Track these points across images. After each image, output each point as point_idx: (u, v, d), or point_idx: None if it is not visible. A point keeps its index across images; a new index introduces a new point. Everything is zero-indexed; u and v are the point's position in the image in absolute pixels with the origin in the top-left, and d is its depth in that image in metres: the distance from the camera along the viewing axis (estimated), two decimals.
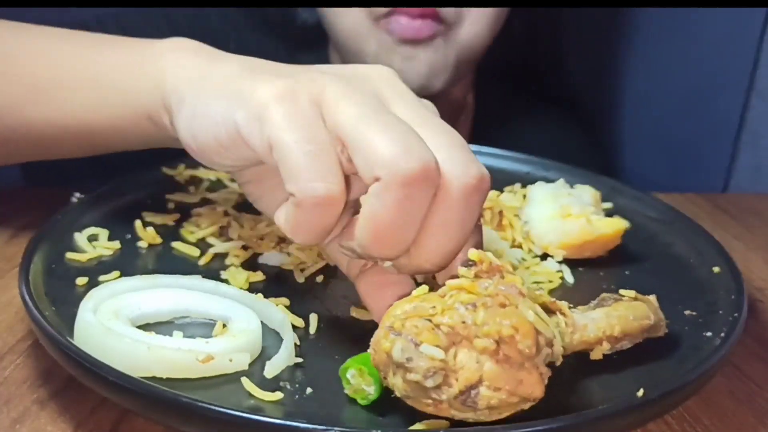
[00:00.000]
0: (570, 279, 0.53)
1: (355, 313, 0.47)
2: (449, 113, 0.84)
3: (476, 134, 0.88)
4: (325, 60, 0.83)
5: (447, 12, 0.73)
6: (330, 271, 0.52)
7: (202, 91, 0.43)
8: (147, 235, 0.53)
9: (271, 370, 0.40)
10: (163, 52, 0.47)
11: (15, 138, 0.54)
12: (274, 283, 0.50)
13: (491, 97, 0.90)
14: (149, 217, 0.56)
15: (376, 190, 0.36)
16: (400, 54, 0.74)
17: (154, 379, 0.38)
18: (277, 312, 0.45)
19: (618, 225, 0.54)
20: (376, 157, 0.36)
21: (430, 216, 0.37)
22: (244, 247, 0.53)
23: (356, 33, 0.75)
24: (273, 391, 0.38)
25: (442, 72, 0.76)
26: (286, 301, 0.47)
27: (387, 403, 0.37)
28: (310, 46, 0.84)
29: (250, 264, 0.52)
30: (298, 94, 0.38)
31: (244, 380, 0.39)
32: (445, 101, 0.82)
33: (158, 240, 0.54)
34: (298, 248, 0.53)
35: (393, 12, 0.72)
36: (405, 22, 0.72)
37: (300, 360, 0.41)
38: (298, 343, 0.43)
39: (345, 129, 0.37)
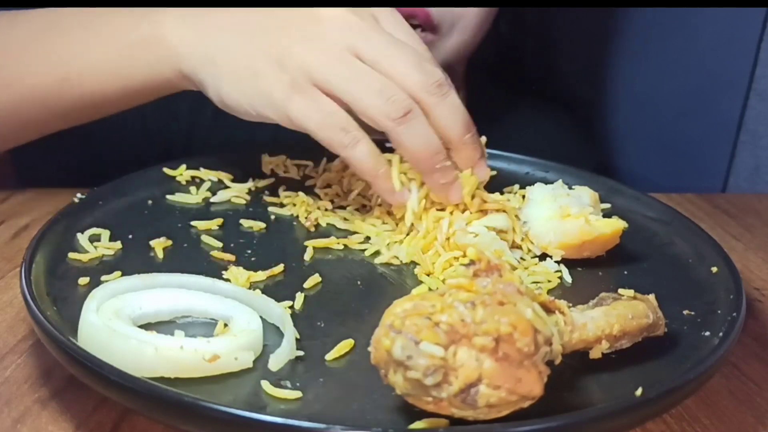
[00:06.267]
0: (569, 279, 0.53)
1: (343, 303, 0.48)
2: None
3: None
4: None
5: (443, 18, 0.71)
6: (329, 269, 0.52)
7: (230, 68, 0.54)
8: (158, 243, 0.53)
9: (274, 363, 0.40)
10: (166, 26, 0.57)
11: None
12: (275, 283, 0.50)
13: (483, 95, 0.89)
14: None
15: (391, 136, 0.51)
16: None
17: (160, 379, 0.38)
18: (277, 307, 0.45)
19: (616, 225, 0.54)
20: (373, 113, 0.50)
21: (432, 121, 0.51)
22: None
23: None
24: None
25: None
26: (288, 302, 0.47)
27: (387, 401, 0.38)
28: None
29: (251, 264, 0.52)
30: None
31: (264, 383, 0.39)
32: None
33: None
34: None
35: None
36: None
37: (301, 353, 0.42)
38: (299, 336, 0.43)
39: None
